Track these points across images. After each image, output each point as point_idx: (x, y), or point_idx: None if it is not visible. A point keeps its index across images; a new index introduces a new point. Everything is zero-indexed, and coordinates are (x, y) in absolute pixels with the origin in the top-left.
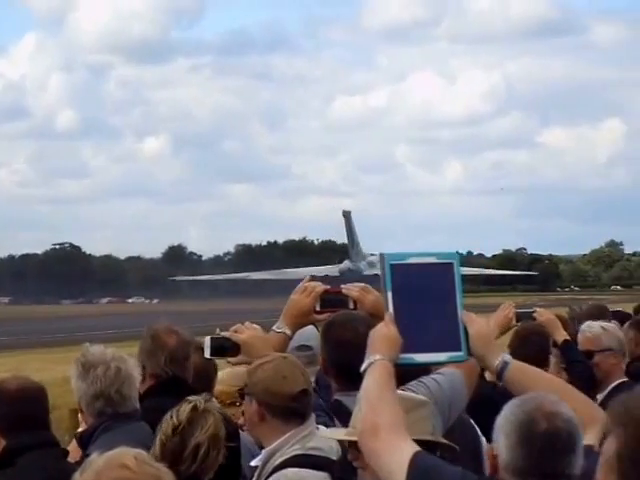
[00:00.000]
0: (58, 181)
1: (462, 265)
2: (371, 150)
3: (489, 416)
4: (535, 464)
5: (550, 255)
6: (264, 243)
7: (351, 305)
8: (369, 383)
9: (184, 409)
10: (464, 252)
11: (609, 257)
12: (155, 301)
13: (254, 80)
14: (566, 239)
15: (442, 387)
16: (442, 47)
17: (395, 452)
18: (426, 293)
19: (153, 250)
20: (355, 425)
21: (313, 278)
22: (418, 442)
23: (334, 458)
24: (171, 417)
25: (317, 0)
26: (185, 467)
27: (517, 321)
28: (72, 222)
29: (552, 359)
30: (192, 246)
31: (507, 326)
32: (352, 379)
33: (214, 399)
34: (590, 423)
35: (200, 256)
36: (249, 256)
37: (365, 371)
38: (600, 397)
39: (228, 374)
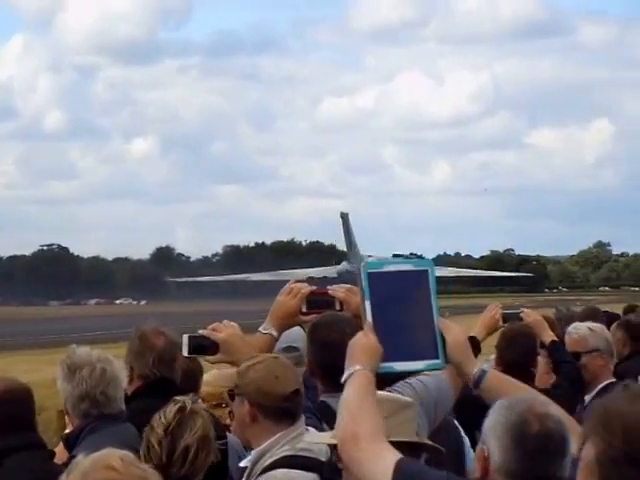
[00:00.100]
0: (46, 182)
1: (451, 266)
2: (359, 151)
3: (475, 416)
4: (528, 466)
5: (538, 256)
6: (252, 244)
7: (337, 306)
8: (349, 393)
9: (172, 410)
10: (452, 253)
11: (597, 258)
12: (143, 302)
13: (242, 81)
14: (554, 240)
15: (428, 388)
16: (430, 48)
17: (378, 460)
18: (403, 301)
19: (141, 251)
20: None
21: (311, 279)
22: (404, 444)
23: (323, 459)
24: (159, 419)
25: (305, 1)
26: (175, 469)
27: (504, 322)
28: (60, 223)
29: (541, 360)
30: (180, 247)
31: (494, 327)
32: (338, 380)
33: (200, 400)
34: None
35: (188, 257)
36: (237, 257)
37: (346, 382)
38: (588, 398)
39: (214, 375)
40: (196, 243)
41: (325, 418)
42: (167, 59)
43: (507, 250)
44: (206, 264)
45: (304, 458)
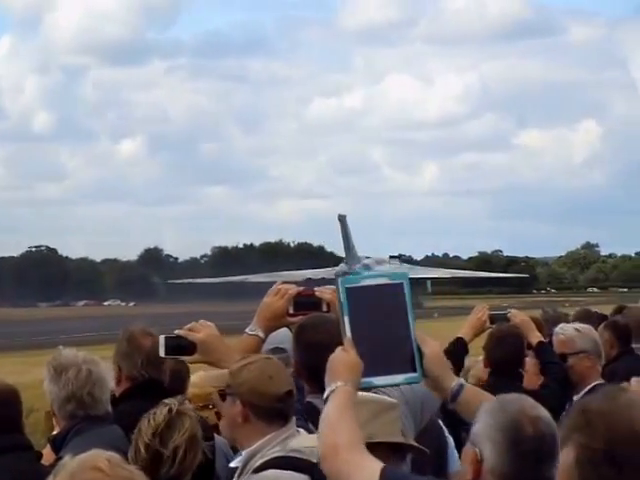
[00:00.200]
0: (34, 183)
1: (439, 267)
2: (347, 152)
3: (461, 417)
4: (522, 469)
5: (526, 257)
6: (240, 245)
7: (324, 307)
8: (329, 408)
9: (160, 412)
10: (440, 254)
11: (585, 259)
12: (131, 304)
13: (230, 82)
14: (542, 241)
15: (414, 389)
16: (418, 48)
17: (362, 470)
18: (380, 315)
19: (129, 252)
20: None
21: (310, 280)
22: (389, 444)
23: (315, 461)
24: (148, 421)
25: (293, 2)
26: (164, 470)
27: (491, 323)
28: (48, 225)
29: (529, 361)
30: (168, 248)
31: (481, 328)
32: (324, 382)
33: (187, 402)
34: None
35: (176, 258)
36: (225, 258)
37: (327, 398)
38: (576, 399)
39: (201, 377)
40: (184, 244)
41: (311, 419)
42: (155, 60)
43: (495, 251)
44: (194, 265)
45: (295, 459)
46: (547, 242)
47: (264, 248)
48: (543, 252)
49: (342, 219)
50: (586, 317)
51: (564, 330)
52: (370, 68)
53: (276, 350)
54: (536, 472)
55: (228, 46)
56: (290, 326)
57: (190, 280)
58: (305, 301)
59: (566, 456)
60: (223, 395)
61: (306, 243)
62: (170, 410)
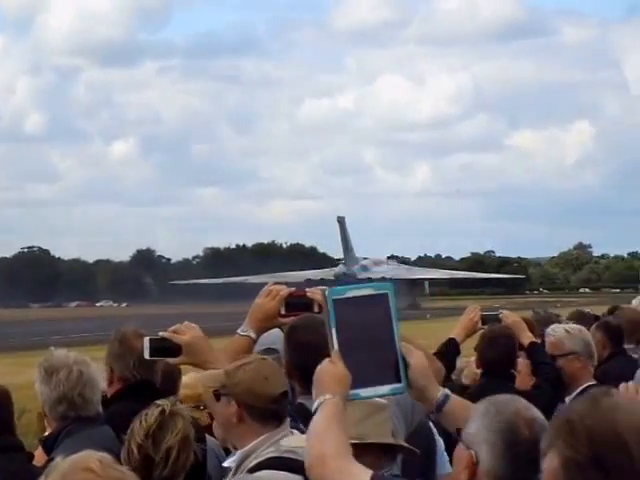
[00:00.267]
0: (26, 184)
1: (433, 267)
2: (340, 152)
3: None
4: (517, 471)
5: (519, 258)
6: (233, 246)
7: (316, 308)
8: (317, 420)
9: (152, 413)
10: (432, 255)
11: (577, 260)
12: (124, 305)
13: (222, 83)
14: (535, 242)
15: None
16: (411, 49)
17: (350, 477)
18: (365, 326)
19: (122, 253)
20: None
21: (309, 281)
22: (380, 445)
23: None
24: (140, 422)
25: (286, 3)
26: (158, 471)
27: (483, 324)
28: (41, 225)
29: (521, 361)
30: (161, 249)
31: (473, 329)
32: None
33: (178, 402)
34: None
35: (169, 259)
36: (218, 259)
37: (315, 411)
38: (568, 400)
39: (192, 378)
40: (177, 245)
41: (302, 420)
42: (147, 61)
43: (487, 252)
44: (186, 266)
45: (289, 460)
46: (539, 243)
47: (256, 249)
48: (535, 253)
49: (341, 221)
50: (579, 318)
51: (554, 331)
52: (362, 69)
53: (268, 351)
54: (532, 474)
55: (220, 47)
56: (282, 327)
57: (192, 281)
58: (297, 302)
59: (550, 462)
60: (217, 395)
61: (298, 244)
62: (162, 411)
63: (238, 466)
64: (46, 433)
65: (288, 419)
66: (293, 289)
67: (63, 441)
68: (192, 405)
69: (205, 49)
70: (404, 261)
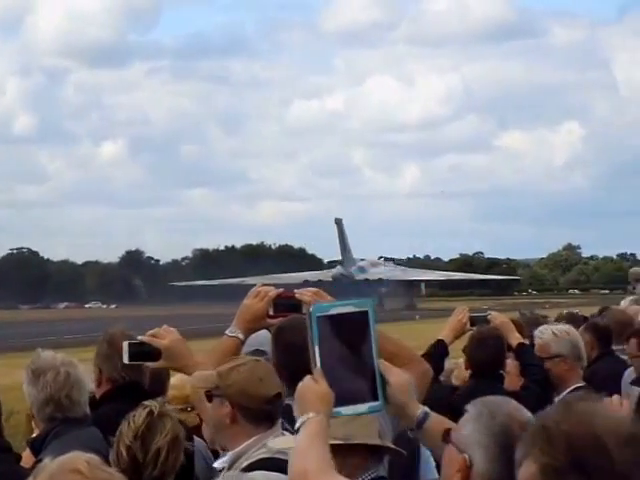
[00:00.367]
0: (15, 186)
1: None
2: (329, 154)
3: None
4: (512, 474)
5: (508, 259)
6: (222, 247)
7: (304, 310)
8: (300, 438)
9: (141, 415)
10: (421, 256)
11: (566, 261)
12: (113, 306)
13: (212, 84)
14: (524, 243)
15: None
16: (400, 50)
17: None
18: (346, 344)
19: (111, 255)
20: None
21: (307, 283)
22: (366, 446)
23: None
24: (129, 424)
25: (275, 4)
26: (147, 473)
27: (472, 325)
28: (30, 227)
29: (510, 362)
30: (150, 250)
31: (461, 331)
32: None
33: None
34: None
35: (158, 260)
36: (206, 260)
37: (298, 429)
38: (557, 400)
39: (180, 379)
40: (166, 246)
41: (289, 421)
42: (137, 62)
43: (476, 253)
44: (175, 267)
45: (282, 461)
46: (528, 244)
47: (245, 250)
48: (524, 254)
49: (339, 222)
50: (570, 320)
51: (542, 333)
52: (352, 70)
53: (256, 352)
54: None
55: (209, 48)
56: (269, 328)
57: (190, 283)
58: (285, 303)
59: (527, 470)
60: (210, 396)
61: (287, 245)
62: (151, 412)
63: (230, 467)
64: (34, 434)
65: (280, 420)
66: (281, 290)
67: (51, 442)
68: (180, 406)
69: (194, 50)
70: (400, 262)
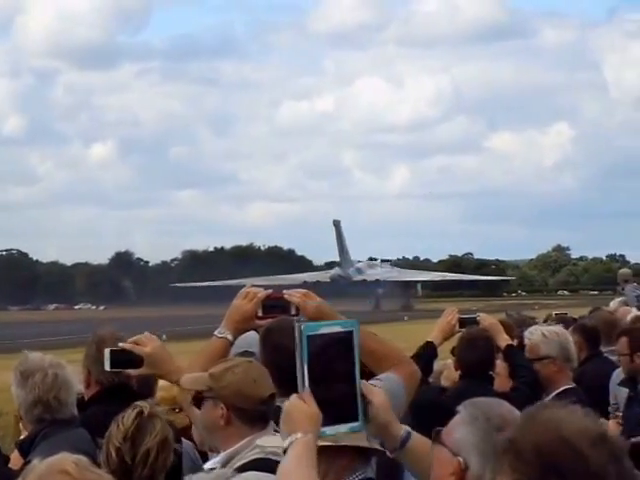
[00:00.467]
0: (5, 187)
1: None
2: (318, 155)
3: (435, 421)
4: None
5: (497, 260)
6: (211, 249)
7: (293, 311)
8: (287, 458)
9: (129, 416)
10: (411, 257)
11: (556, 262)
12: (102, 307)
13: (201, 85)
14: (513, 244)
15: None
16: (389, 51)
17: None
18: (331, 363)
19: (100, 256)
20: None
21: (305, 284)
22: (354, 448)
23: None
24: (118, 425)
25: (264, 5)
26: (137, 474)
27: (461, 327)
28: (19, 228)
29: (500, 364)
30: (139, 252)
31: (450, 332)
32: (291, 385)
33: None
34: None
35: (147, 262)
36: (196, 262)
37: (286, 450)
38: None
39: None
40: (155, 248)
41: (278, 422)
42: (126, 63)
43: (466, 254)
44: (165, 269)
45: (274, 462)
46: (518, 245)
47: (235, 251)
48: (514, 255)
49: (337, 224)
50: (561, 321)
51: (532, 335)
52: (341, 71)
53: (245, 354)
54: None
55: (199, 49)
56: (258, 329)
57: (190, 284)
58: (274, 304)
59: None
60: (201, 398)
61: (277, 246)
62: (140, 413)
63: (222, 467)
64: (22, 436)
65: (272, 422)
66: (270, 291)
67: (39, 444)
68: (168, 407)
69: (184, 51)
70: (397, 264)
